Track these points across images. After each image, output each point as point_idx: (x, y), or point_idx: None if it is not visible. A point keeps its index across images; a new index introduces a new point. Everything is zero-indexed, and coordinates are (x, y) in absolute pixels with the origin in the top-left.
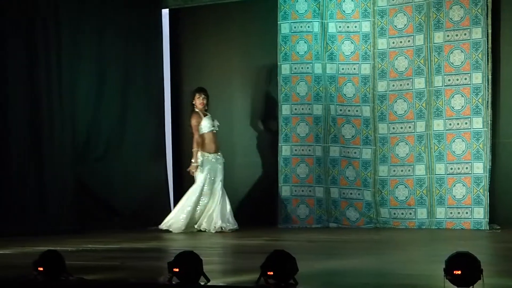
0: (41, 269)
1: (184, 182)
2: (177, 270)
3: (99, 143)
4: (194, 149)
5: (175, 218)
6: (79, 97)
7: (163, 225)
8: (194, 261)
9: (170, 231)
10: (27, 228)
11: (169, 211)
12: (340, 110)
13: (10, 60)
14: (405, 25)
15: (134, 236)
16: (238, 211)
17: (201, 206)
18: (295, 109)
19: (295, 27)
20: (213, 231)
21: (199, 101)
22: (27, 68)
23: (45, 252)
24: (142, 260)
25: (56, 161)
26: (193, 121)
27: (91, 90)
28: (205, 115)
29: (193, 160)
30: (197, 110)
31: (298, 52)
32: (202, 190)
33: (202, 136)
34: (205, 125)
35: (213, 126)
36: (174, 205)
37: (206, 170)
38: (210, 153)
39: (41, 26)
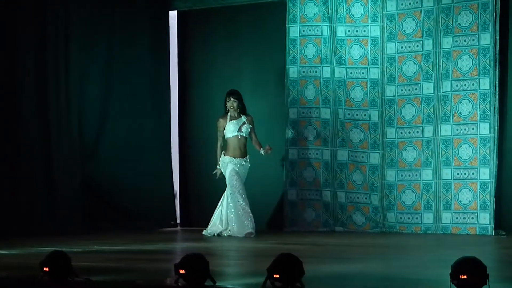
0: (47, 269)
1: (189, 181)
2: (183, 272)
3: (106, 144)
4: (217, 153)
5: (238, 222)
6: (86, 99)
7: (223, 232)
8: (201, 263)
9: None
10: (35, 229)
11: (174, 211)
12: (348, 114)
13: (20, 63)
14: (413, 30)
15: (141, 237)
16: None
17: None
18: (303, 112)
19: (303, 31)
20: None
21: (229, 104)
22: (36, 70)
23: (52, 252)
24: (149, 261)
25: (64, 162)
26: (218, 125)
27: (98, 92)
28: (234, 119)
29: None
30: (228, 113)
31: (306, 56)
32: (236, 189)
33: (226, 141)
34: (228, 129)
35: (238, 131)
36: (181, 206)
37: (228, 171)
38: (235, 157)
39: (51, 28)
